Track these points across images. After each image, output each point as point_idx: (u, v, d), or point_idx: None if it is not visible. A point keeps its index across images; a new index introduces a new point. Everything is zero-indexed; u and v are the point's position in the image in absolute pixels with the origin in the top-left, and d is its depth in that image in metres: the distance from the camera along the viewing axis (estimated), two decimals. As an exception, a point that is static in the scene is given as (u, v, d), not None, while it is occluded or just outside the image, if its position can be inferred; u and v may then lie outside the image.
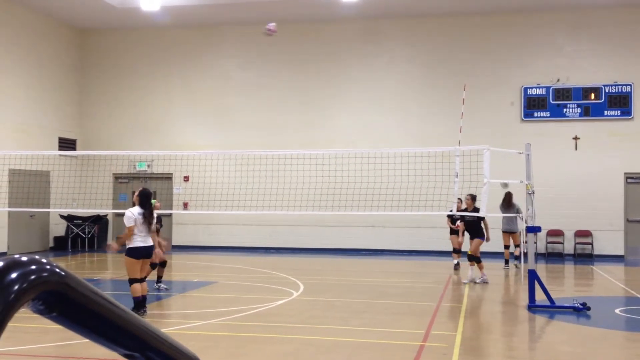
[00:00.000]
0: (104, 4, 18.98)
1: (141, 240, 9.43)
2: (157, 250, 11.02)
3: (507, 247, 15.91)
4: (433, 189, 14.56)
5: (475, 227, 13.48)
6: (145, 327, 1.27)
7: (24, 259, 1.04)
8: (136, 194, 9.76)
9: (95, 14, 20.05)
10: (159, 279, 12.03)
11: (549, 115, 19.23)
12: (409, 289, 12.84)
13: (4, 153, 16.10)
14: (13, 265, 1.01)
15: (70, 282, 1.09)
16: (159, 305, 10.56)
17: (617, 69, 18.95)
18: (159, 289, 11.84)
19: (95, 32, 21.87)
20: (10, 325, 0.99)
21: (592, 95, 18.96)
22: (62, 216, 20.16)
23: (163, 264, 11.99)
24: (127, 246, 9.44)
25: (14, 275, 0.99)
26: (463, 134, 12.79)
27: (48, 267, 1.06)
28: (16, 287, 0.99)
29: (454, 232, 15.24)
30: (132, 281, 9.45)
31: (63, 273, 1.08)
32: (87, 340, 1.22)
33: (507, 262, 15.88)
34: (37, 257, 1.07)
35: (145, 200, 9.60)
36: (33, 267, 1.03)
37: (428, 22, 19.98)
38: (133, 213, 9.43)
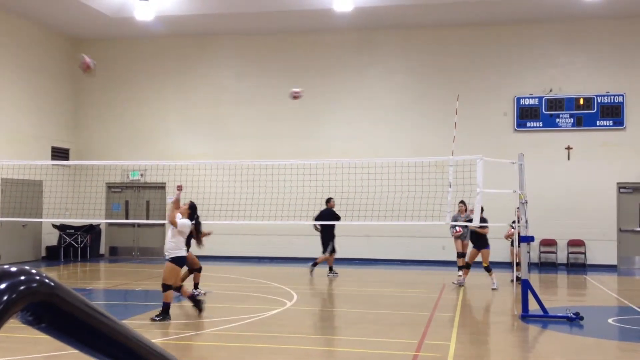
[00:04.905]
0: (98, 14, 18.98)
1: (184, 250, 10.29)
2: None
3: None
4: (427, 198, 14.57)
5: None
6: (135, 338, 1.27)
7: (13, 269, 1.03)
8: (187, 206, 10.49)
9: (89, 23, 20.04)
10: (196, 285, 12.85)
11: (541, 125, 19.31)
12: (402, 299, 12.83)
13: (-3, 162, 16.03)
14: (2, 275, 1.00)
15: (59, 293, 1.08)
16: (152, 315, 10.50)
17: (609, 79, 19.05)
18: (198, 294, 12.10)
19: (89, 42, 21.84)
20: (0, 335, 0.99)
21: (585, 106, 19.06)
22: (54, 226, 20.06)
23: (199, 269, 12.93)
24: (175, 255, 10.06)
25: (2, 285, 0.99)
26: (456, 144, 12.81)
27: (37, 277, 1.05)
28: (5, 297, 0.98)
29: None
30: (168, 287, 10.05)
31: (52, 284, 1.07)
32: (76, 351, 1.21)
33: None
34: (26, 267, 1.06)
35: (194, 213, 10.56)
36: (22, 277, 1.02)
37: (421, 33, 20.07)
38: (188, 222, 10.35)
